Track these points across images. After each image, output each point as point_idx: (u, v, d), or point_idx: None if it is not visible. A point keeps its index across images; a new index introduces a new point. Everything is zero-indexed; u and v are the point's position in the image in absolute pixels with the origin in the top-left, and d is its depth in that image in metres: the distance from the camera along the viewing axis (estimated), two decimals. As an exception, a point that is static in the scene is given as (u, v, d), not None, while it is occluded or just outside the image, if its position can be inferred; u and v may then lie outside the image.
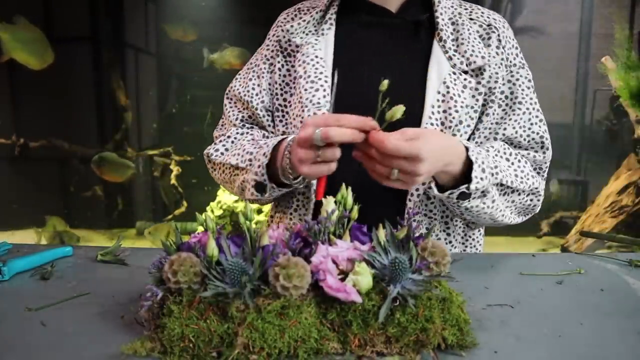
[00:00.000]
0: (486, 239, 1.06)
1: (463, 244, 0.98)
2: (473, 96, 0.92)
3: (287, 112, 0.98)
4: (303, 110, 0.91)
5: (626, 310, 0.64)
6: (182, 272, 0.51)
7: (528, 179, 0.91)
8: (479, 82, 0.92)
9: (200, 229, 0.61)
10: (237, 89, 1.04)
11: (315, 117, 0.74)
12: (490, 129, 0.95)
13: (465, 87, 0.91)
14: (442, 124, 0.89)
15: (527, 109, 0.95)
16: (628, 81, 3.03)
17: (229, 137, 1.02)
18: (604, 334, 0.57)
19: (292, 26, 0.98)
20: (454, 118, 0.88)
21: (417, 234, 0.56)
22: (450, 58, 0.92)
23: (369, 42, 0.97)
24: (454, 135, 0.90)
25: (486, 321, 0.60)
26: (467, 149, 0.80)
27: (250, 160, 0.90)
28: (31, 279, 0.75)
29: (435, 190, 0.81)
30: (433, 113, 0.89)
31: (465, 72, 0.92)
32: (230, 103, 1.06)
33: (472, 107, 0.92)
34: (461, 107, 0.89)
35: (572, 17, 4.09)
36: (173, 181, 4.13)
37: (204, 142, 1.29)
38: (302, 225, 0.58)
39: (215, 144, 1.04)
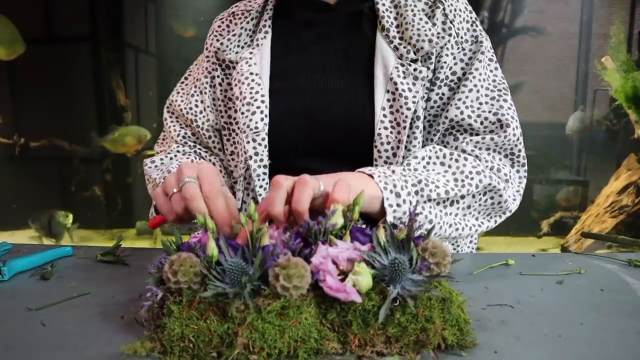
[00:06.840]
0: (486, 239, 1.06)
1: (452, 243, 0.94)
2: (425, 86, 0.83)
3: (234, 130, 0.91)
4: (242, 135, 0.85)
5: (626, 310, 0.63)
6: (182, 272, 0.51)
7: (472, 179, 0.76)
8: (428, 68, 0.83)
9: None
10: (179, 105, 0.97)
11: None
12: (436, 115, 0.85)
13: (416, 78, 0.81)
14: (398, 124, 0.81)
15: (475, 85, 0.83)
16: (624, 83, 3.04)
17: (169, 153, 0.96)
18: (604, 334, 0.57)
19: (222, 44, 0.91)
20: (407, 117, 0.80)
21: (417, 234, 0.56)
22: (396, 48, 0.83)
23: (307, 44, 0.90)
24: (413, 133, 0.82)
25: (486, 321, 0.60)
26: (371, 176, 0.68)
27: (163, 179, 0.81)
28: (31, 279, 0.75)
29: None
30: (385, 116, 0.81)
31: (415, 61, 0.82)
32: (171, 117, 0.99)
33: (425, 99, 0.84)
34: (413, 102, 0.80)
35: (572, 17, 4.09)
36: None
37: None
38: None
39: (154, 156, 0.98)
